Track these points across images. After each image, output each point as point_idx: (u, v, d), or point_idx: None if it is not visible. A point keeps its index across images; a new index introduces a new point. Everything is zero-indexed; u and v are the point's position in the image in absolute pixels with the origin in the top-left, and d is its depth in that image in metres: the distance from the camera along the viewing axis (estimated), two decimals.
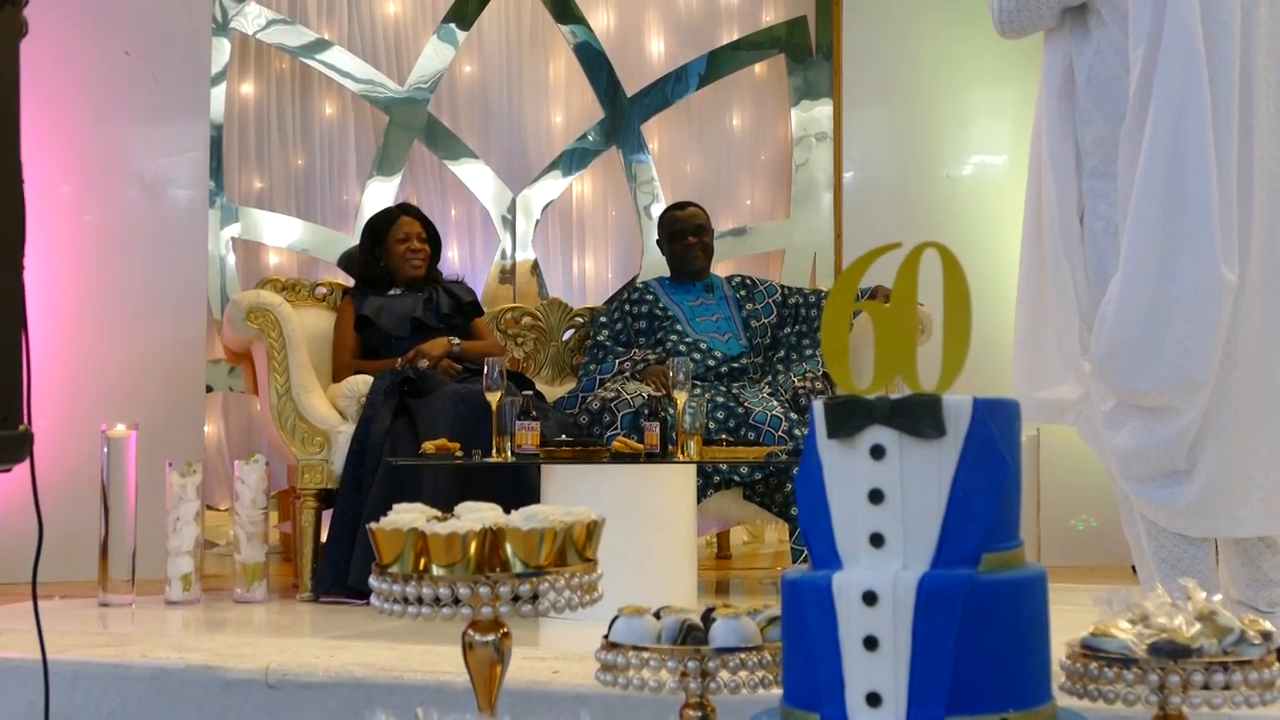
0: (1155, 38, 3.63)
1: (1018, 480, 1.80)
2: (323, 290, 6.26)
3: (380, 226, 6.13)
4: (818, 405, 1.80)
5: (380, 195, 7.49)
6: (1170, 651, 1.85)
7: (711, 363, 6.01)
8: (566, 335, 6.67)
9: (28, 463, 2.44)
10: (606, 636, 2.08)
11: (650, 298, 6.26)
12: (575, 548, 2.19)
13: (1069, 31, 3.89)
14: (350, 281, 6.28)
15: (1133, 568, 4.16)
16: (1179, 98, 3.60)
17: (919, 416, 1.73)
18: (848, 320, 1.88)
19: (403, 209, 6.25)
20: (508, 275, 7.74)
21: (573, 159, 7.86)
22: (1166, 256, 3.61)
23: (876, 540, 1.74)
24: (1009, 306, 4.07)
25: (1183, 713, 1.87)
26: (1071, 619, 2.04)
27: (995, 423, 1.76)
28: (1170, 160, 3.61)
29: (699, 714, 2.04)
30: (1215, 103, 3.61)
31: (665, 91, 7.90)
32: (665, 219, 6.48)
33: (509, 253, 7.76)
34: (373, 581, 2.18)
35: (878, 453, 1.75)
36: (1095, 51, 3.84)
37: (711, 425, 5.45)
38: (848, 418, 1.76)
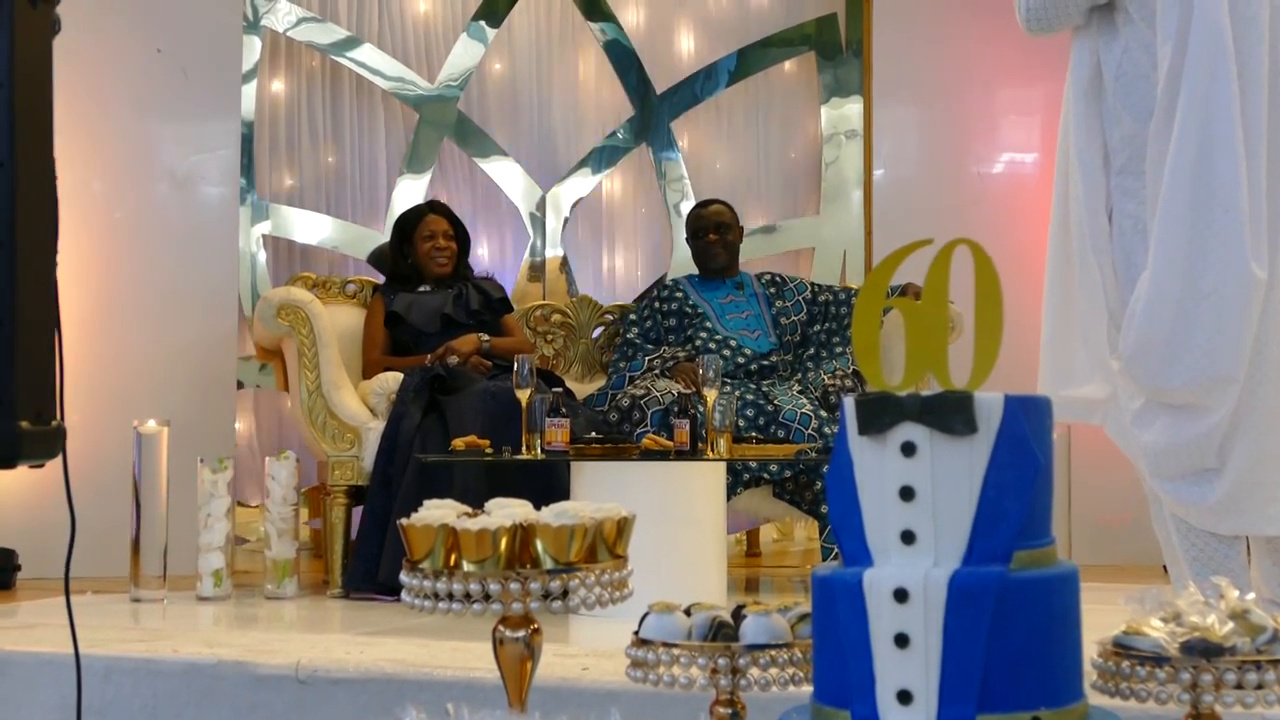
0: (1183, 34, 3.62)
1: (1049, 477, 1.79)
2: (353, 287, 6.28)
3: (408, 224, 6.15)
4: (849, 402, 1.80)
5: (410, 192, 7.51)
6: (1203, 650, 1.84)
7: (741, 360, 6.00)
8: (596, 333, 6.67)
9: (61, 458, 2.44)
10: (637, 633, 2.08)
11: (680, 295, 6.26)
12: (605, 544, 2.19)
13: (1096, 29, 3.88)
14: (381, 278, 6.29)
15: (1164, 567, 4.15)
16: (1207, 94, 3.58)
17: (950, 413, 1.73)
18: (878, 317, 1.88)
19: (431, 206, 6.26)
20: (537, 272, 7.74)
21: (602, 156, 7.86)
22: (1195, 254, 3.60)
23: (908, 537, 1.74)
24: (1039, 304, 4.06)
25: (1215, 712, 1.86)
26: (1103, 618, 2.03)
27: (1027, 420, 1.76)
28: (1198, 157, 3.60)
29: (729, 711, 2.04)
30: (1244, 99, 3.59)
31: (695, 89, 7.89)
32: (690, 216, 6.50)
33: (538, 250, 7.77)
34: (404, 577, 2.18)
35: (909, 450, 1.74)
36: (1123, 49, 3.82)
37: (741, 423, 5.45)
38: (879, 414, 1.76)
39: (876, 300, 1.87)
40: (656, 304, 6.27)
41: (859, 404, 1.79)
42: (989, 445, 1.74)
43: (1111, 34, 3.84)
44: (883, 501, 1.76)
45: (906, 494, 1.74)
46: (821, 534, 5.60)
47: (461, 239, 6.16)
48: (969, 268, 1.81)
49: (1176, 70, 3.62)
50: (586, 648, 3.59)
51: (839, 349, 6.16)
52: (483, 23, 7.76)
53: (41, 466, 2.40)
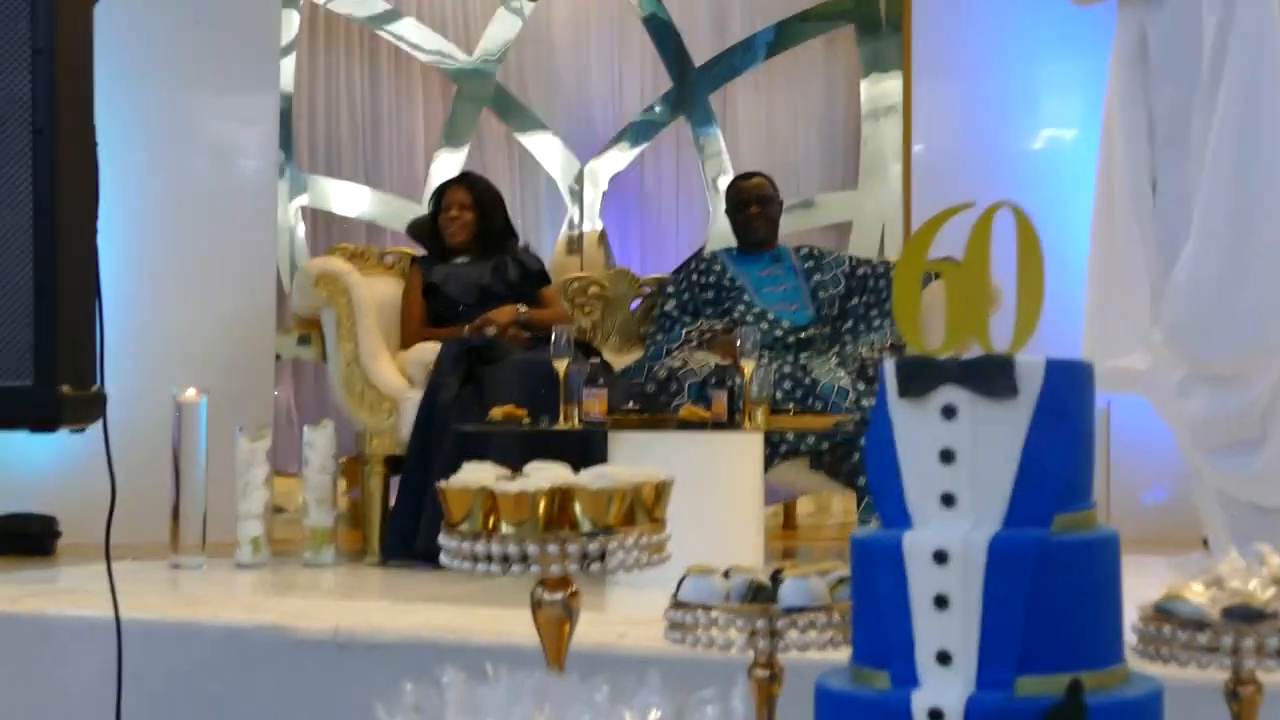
0: (1230, 4, 3.59)
1: (1090, 442, 1.79)
2: (391, 258, 6.29)
3: (438, 196, 6.18)
4: (889, 364, 1.80)
5: (448, 165, 7.52)
6: (1245, 615, 1.83)
7: (779, 333, 5.99)
8: (634, 305, 6.66)
9: (101, 425, 2.45)
10: (675, 595, 2.08)
11: (718, 268, 6.25)
12: (644, 508, 2.19)
13: None
14: (420, 250, 6.30)
15: (1204, 540, 4.13)
16: (1253, 63, 3.56)
17: (991, 376, 1.72)
18: (919, 280, 1.87)
19: (460, 178, 6.29)
20: (575, 245, 7.75)
21: (640, 130, 7.86)
22: (1240, 225, 3.58)
23: (947, 500, 1.74)
24: (1080, 278, 4.05)
25: (1256, 677, 1.86)
26: (1143, 593, 2.02)
27: (1068, 384, 1.75)
28: (1243, 128, 3.58)
29: (767, 673, 2.04)
30: None
31: (733, 62, 7.87)
32: (730, 189, 6.47)
33: (576, 223, 7.77)
34: (442, 539, 2.19)
35: (949, 412, 1.74)
36: (1169, 19, 3.80)
37: (778, 395, 5.44)
38: (919, 377, 1.76)
39: (917, 264, 1.87)
40: (694, 276, 6.26)
41: (899, 367, 1.78)
42: (1030, 408, 1.73)
43: (1157, 3, 3.82)
44: (922, 464, 1.76)
45: (946, 456, 1.74)
46: (859, 506, 5.59)
47: (483, 210, 6.11)
48: (1009, 239, 1.80)
49: (1222, 40, 3.60)
50: (624, 615, 3.60)
51: (877, 322, 6.14)
52: None
53: (82, 431, 2.41)
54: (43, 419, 2.31)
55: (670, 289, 6.31)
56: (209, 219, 6.34)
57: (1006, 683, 1.66)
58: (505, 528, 2.13)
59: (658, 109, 7.85)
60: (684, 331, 6.02)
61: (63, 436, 2.39)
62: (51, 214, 2.26)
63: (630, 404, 5.15)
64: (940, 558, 1.69)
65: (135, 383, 5.59)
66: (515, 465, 2.32)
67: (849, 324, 6.19)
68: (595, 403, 4.78)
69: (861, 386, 5.54)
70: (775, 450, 5.46)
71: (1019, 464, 1.73)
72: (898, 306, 1.86)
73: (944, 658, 1.69)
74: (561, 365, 4.87)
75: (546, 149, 7.76)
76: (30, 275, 2.24)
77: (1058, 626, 1.69)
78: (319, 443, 5.26)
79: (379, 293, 5.98)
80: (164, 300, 6.15)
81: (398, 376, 5.60)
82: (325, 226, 7.53)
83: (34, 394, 2.27)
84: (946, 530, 1.72)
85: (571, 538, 2.12)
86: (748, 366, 4.88)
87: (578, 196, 7.76)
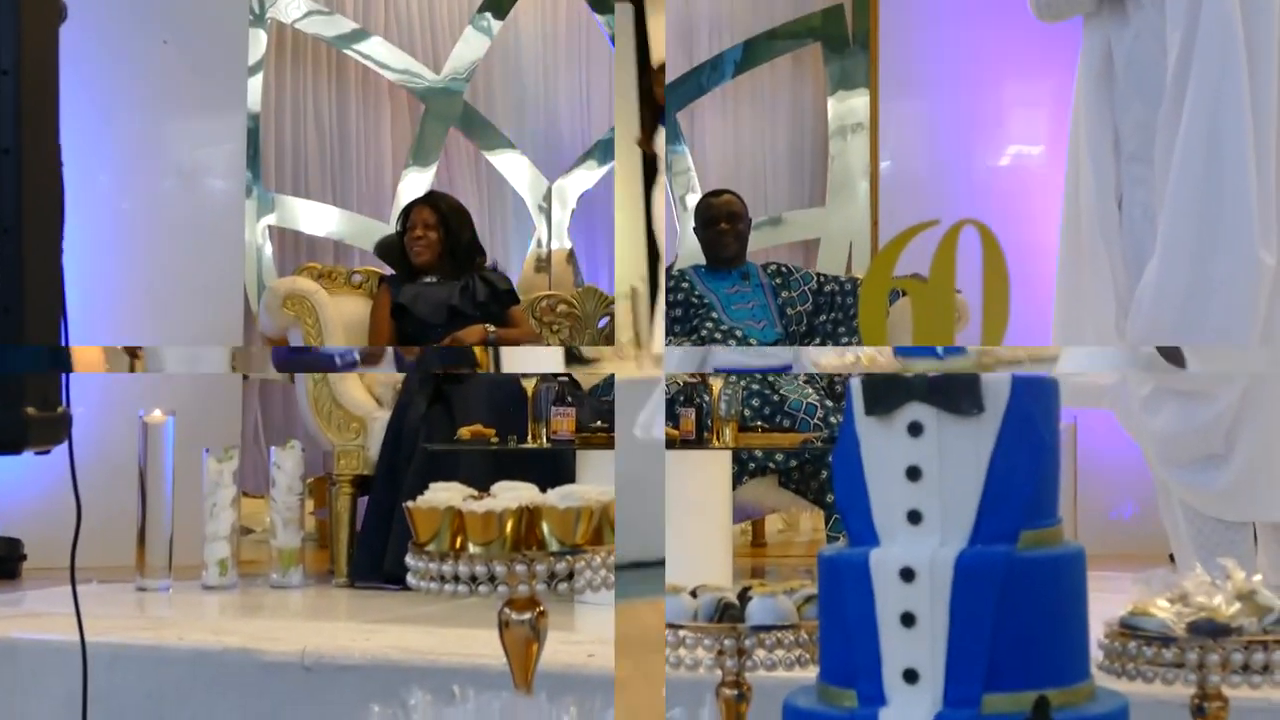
0: (1193, 20, 3.61)
1: (1056, 458, 1.79)
2: (359, 278, 6.27)
3: (405, 215, 6.16)
4: (855, 382, 1.80)
5: (416, 184, 7.50)
6: (1210, 630, 1.84)
7: None
8: (602, 323, 6.66)
9: (67, 446, 2.44)
10: None
11: (686, 285, 6.25)
12: (611, 527, 2.19)
13: (1107, 16, 3.87)
14: (387, 269, 6.29)
15: (1170, 556, 4.15)
16: (1217, 81, 3.58)
17: (958, 393, 1.73)
18: (885, 297, 1.88)
19: (424, 198, 6.26)
20: (543, 264, 7.74)
21: (608, 148, 7.84)
22: (1204, 240, 3.60)
23: (914, 517, 1.74)
24: (1046, 297, 4.06)
25: (1221, 692, 1.86)
26: (1109, 608, 2.03)
27: (1034, 400, 1.76)
28: (1208, 144, 3.60)
29: (735, 692, 2.04)
30: (1254, 85, 3.59)
31: (701, 80, 7.88)
32: (700, 206, 6.47)
33: (544, 241, 7.76)
34: (409, 560, 2.18)
35: (915, 429, 1.74)
36: (1134, 36, 3.82)
37: (747, 413, 5.43)
38: (886, 394, 1.76)
39: (884, 281, 1.87)
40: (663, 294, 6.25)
41: (866, 383, 1.78)
42: (996, 425, 1.73)
43: (1122, 20, 3.84)
44: (889, 481, 1.76)
45: (913, 474, 1.74)
46: (827, 524, 5.59)
47: (449, 229, 6.07)
48: (975, 256, 1.81)
49: (1186, 57, 3.62)
50: (592, 635, 3.59)
51: (845, 339, 6.15)
52: (488, 14, 7.75)
53: (47, 453, 2.39)
54: (8, 441, 2.29)
55: None
56: (176, 239, 6.32)
57: (973, 701, 1.66)
58: (472, 548, 2.12)
59: None
60: None
61: (28, 459, 2.37)
62: (17, 234, 2.25)
63: (598, 422, 5.14)
64: (907, 575, 1.69)
65: (101, 404, 5.57)
66: (483, 484, 2.31)
67: (816, 341, 6.19)
68: (563, 421, 4.78)
69: (830, 403, 5.54)
70: (744, 468, 5.46)
71: (985, 481, 1.73)
72: (864, 323, 1.86)
73: (911, 676, 1.69)
74: (530, 384, 4.87)
75: (514, 167, 7.76)
76: None
77: (1024, 643, 1.69)
78: (287, 463, 5.24)
79: (347, 312, 5.96)
80: (131, 320, 6.12)
81: (366, 396, 5.59)
82: (293, 246, 7.50)
83: None
84: (913, 548, 1.72)
85: (539, 557, 2.12)
86: (716, 384, 4.88)
87: (546, 215, 7.76)
